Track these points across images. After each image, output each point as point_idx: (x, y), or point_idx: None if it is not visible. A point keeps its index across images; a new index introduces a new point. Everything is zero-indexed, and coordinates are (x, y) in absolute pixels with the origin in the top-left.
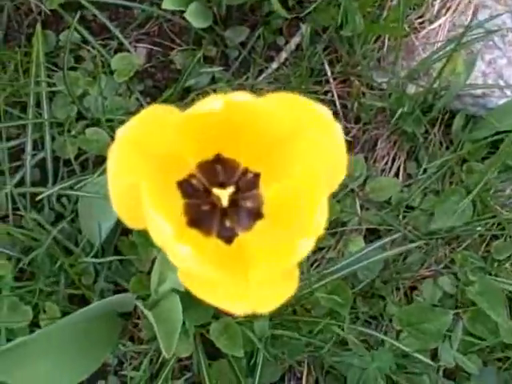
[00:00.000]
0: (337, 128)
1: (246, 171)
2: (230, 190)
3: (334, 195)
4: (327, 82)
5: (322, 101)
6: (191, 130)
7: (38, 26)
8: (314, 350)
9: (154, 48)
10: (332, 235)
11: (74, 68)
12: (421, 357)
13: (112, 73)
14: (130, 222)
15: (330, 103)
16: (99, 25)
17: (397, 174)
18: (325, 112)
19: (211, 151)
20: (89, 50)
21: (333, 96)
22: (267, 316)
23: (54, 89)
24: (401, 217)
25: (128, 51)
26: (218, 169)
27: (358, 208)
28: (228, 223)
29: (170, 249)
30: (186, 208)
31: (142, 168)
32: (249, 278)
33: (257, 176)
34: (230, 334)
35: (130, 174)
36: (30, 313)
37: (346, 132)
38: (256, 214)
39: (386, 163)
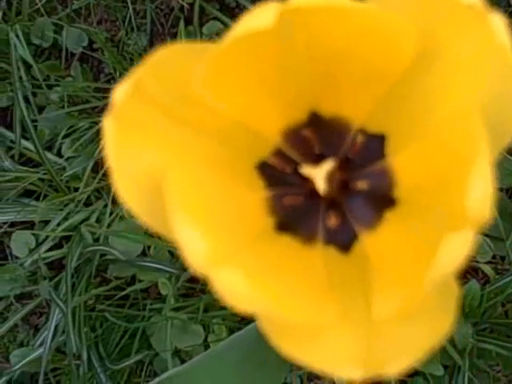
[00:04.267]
0: (505, 41)
1: (362, 134)
2: (329, 164)
3: None
4: None
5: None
6: (249, 72)
7: (181, 24)
8: None
9: None
10: None
11: None
12: None
13: None
14: (160, 230)
15: None
16: (243, 10)
17: None
18: (485, 13)
19: (300, 107)
20: None
21: None
22: (470, 321)
23: None
24: None
25: None
26: (315, 137)
27: None
28: (338, 220)
29: (209, 278)
30: (272, 204)
31: (171, 145)
32: (372, 314)
33: (381, 140)
34: None
35: (147, 154)
36: (202, 332)
37: None
38: (384, 201)
39: None
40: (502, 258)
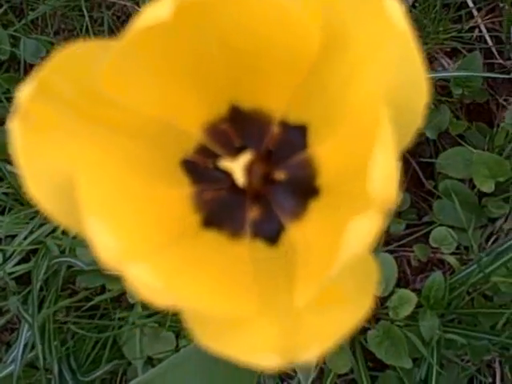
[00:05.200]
0: (405, 32)
1: (283, 126)
2: (247, 157)
3: None
4: (470, 15)
5: (469, 40)
6: (158, 67)
7: None
8: (506, 347)
9: None
10: (505, 200)
11: None
12: None
13: None
14: (75, 229)
15: (480, 41)
16: None
17: None
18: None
19: (219, 101)
20: None
21: (480, 31)
22: (435, 313)
23: None
24: None
25: None
26: (236, 130)
27: None
28: (262, 212)
29: (122, 273)
30: (197, 200)
31: (83, 144)
32: (293, 302)
33: (302, 130)
34: (392, 340)
35: (58, 154)
36: (173, 338)
37: (504, 71)
38: (308, 191)
39: None
40: (466, 248)
